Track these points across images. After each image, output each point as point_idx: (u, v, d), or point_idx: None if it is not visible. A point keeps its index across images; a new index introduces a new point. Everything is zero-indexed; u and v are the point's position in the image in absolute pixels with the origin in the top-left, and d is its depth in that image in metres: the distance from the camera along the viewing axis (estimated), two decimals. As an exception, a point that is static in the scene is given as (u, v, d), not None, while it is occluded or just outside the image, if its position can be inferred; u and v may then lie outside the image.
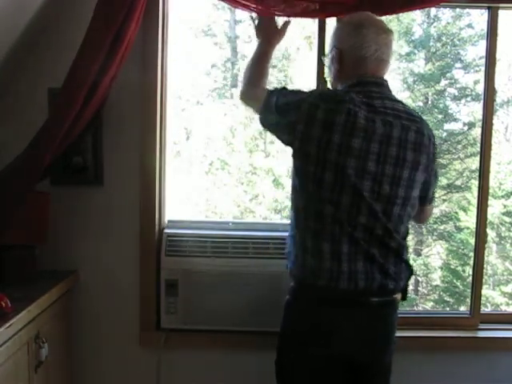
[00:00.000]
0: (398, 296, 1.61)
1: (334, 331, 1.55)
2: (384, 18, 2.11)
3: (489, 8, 2.16)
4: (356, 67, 1.59)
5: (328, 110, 1.49)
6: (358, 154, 1.47)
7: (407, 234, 1.63)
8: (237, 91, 6.78)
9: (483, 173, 2.21)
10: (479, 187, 2.23)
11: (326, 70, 1.82)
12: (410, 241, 5.44)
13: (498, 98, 6.12)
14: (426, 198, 1.68)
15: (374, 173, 1.49)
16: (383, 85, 1.60)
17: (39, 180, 1.89)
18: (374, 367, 1.63)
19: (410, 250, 5.56)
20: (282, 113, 1.58)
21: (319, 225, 1.51)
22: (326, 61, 1.73)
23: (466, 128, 6.15)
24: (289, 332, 1.66)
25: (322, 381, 1.60)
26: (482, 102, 2.25)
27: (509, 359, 2.19)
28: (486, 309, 5.58)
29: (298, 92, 1.62)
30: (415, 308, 5.76)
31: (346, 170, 1.46)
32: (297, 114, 1.52)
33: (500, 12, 2.19)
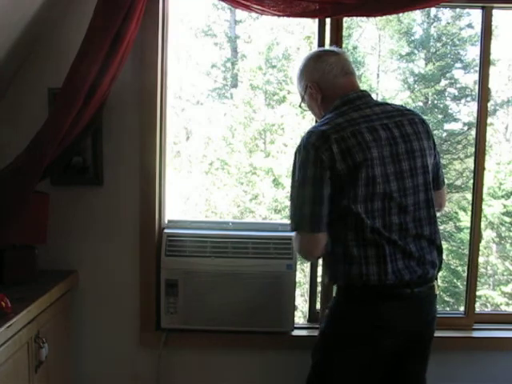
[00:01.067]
0: (436, 283, 1.71)
1: (384, 325, 1.62)
2: (384, 18, 2.11)
3: (483, 8, 2.16)
4: (335, 88, 1.71)
5: (338, 143, 1.58)
6: (378, 163, 1.59)
7: (436, 217, 1.73)
8: (236, 91, 6.79)
9: (477, 172, 2.22)
10: (474, 187, 2.24)
11: (309, 111, 1.87)
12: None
13: (498, 98, 6.12)
14: (438, 180, 1.79)
15: (395, 173, 1.61)
16: (364, 95, 1.72)
17: (39, 180, 1.89)
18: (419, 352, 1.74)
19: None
20: (310, 188, 1.61)
21: (360, 234, 1.59)
22: (305, 103, 1.82)
23: (465, 128, 6.15)
24: (340, 331, 1.67)
25: (369, 376, 1.67)
26: (476, 102, 2.24)
27: (503, 359, 2.19)
28: (486, 309, 5.58)
29: (302, 169, 1.63)
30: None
31: (375, 179, 1.58)
32: (318, 175, 1.59)
33: (500, 12, 2.19)
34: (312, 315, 2.28)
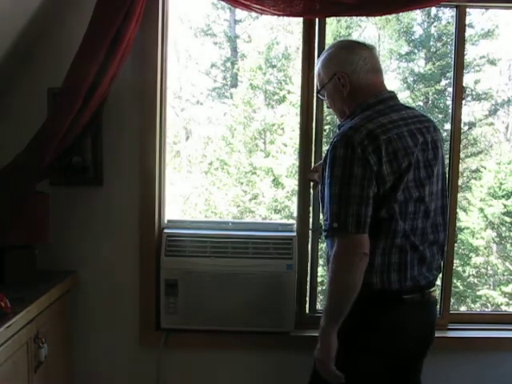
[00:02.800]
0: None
1: (403, 332, 1.61)
2: (384, 18, 2.11)
3: (457, 7, 2.17)
4: (365, 85, 1.65)
5: (386, 145, 1.53)
6: (416, 167, 1.58)
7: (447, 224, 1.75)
8: (236, 91, 6.79)
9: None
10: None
11: (327, 101, 1.77)
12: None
13: (499, 98, 6.12)
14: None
15: (427, 177, 1.60)
16: (395, 97, 1.69)
17: (39, 180, 1.89)
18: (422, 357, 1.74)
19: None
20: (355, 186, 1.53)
21: (390, 241, 1.57)
22: (323, 92, 1.74)
23: (466, 128, 6.15)
24: (361, 340, 1.62)
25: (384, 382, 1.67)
26: (450, 100, 2.24)
27: (478, 359, 2.19)
28: (486, 309, 5.58)
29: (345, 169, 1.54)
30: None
31: (415, 183, 1.57)
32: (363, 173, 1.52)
33: (500, 12, 2.20)
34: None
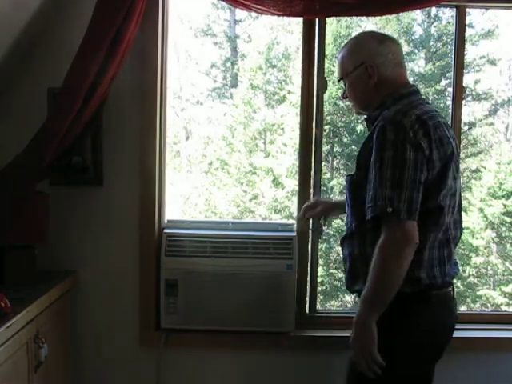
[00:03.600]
0: None
1: (443, 330, 1.62)
2: (384, 18, 2.11)
3: (457, 7, 2.17)
4: (392, 78, 1.63)
5: (434, 130, 1.52)
6: (455, 157, 1.57)
7: None
8: (236, 91, 6.79)
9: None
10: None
11: (348, 90, 1.71)
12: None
13: (499, 98, 6.12)
14: None
15: (457, 171, 1.61)
16: (419, 91, 1.68)
17: (39, 180, 1.89)
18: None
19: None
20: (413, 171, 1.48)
21: (435, 234, 1.55)
22: (349, 80, 1.68)
23: (466, 128, 6.15)
24: (406, 342, 1.56)
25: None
26: (450, 100, 2.24)
27: (477, 359, 2.18)
28: (486, 309, 5.57)
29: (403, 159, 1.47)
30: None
31: (449, 174, 1.54)
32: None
33: (500, 12, 2.20)
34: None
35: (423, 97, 1.69)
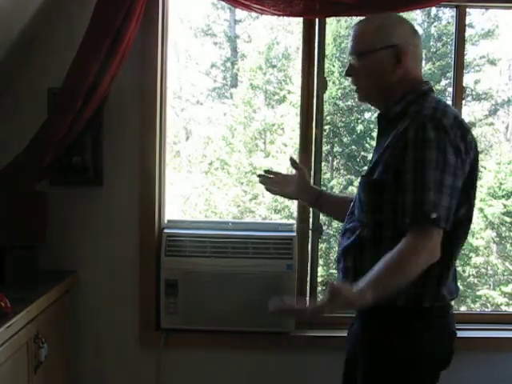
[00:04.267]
0: None
1: (451, 346, 1.53)
2: (384, 18, 2.10)
3: (457, 7, 2.17)
4: (415, 72, 1.47)
5: (469, 132, 1.41)
6: (476, 166, 1.44)
7: None
8: (236, 91, 6.79)
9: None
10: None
11: (364, 72, 1.47)
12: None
13: (499, 98, 6.12)
14: None
15: (476, 180, 1.49)
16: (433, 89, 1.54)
17: (39, 180, 1.89)
18: None
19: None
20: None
21: (458, 247, 1.47)
22: (367, 60, 1.45)
23: (466, 128, 6.14)
24: (420, 358, 1.46)
25: None
26: (450, 100, 2.23)
27: (477, 359, 2.17)
28: (486, 309, 5.58)
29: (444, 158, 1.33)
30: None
31: (475, 182, 1.45)
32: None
33: (500, 12, 2.20)
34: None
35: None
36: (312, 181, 2.21)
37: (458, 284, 1.55)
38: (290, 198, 1.89)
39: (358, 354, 1.52)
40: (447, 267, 1.42)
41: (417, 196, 1.30)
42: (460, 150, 1.34)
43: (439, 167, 1.30)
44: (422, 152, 1.31)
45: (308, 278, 2.26)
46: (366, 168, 1.57)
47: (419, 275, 1.30)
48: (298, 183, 1.80)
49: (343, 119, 6.18)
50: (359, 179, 1.51)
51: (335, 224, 5.44)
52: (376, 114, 1.59)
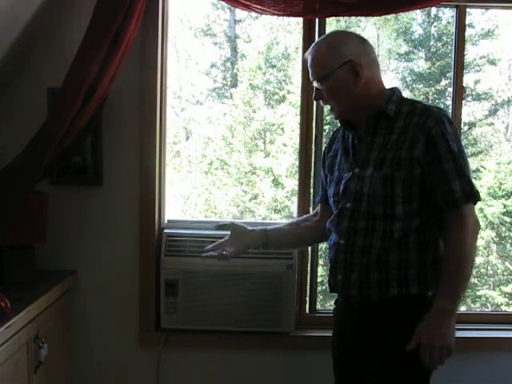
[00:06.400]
0: None
1: None
2: (383, 18, 2.10)
3: (456, 7, 2.17)
4: (374, 80, 1.58)
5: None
6: None
7: None
8: (236, 91, 6.79)
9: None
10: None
11: (327, 93, 1.57)
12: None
13: (499, 98, 6.11)
14: None
15: None
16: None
17: (38, 180, 1.89)
18: None
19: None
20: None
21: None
22: (330, 80, 1.54)
23: (466, 128, 6.14)
24: None
25: None
26: (450, 100, 2.24)
27: (477, 359, 2.18)
28: (486, 309, 5.57)
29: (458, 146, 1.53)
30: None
31: None
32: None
33: (500, 12, 2.20)
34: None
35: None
36: (312, 181, 2.21)
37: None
38: (241, 252, 1.79)
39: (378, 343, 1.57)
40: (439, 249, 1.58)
41: (462, 181, 1.48)
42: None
43: (462, 156, 1.50)
44: (451, 144, 1.48)
45: (308, 278, 2.26)
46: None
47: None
48: (236, 238, 1.76)
49: (343, 119, 6.16)
50: (374, 174, 1.54)
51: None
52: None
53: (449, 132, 1.49)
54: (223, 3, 2.10)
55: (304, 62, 2.14)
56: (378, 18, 5.80)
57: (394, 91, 1.60)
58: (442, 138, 1.48)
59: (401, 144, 1.51)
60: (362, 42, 1.60)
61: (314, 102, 2.16)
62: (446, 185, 1.48)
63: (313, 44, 1.63)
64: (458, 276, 1.48)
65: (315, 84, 1.60)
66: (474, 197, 1.50)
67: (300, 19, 2.16)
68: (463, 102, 2.24)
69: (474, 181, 1.53)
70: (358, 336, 1.62)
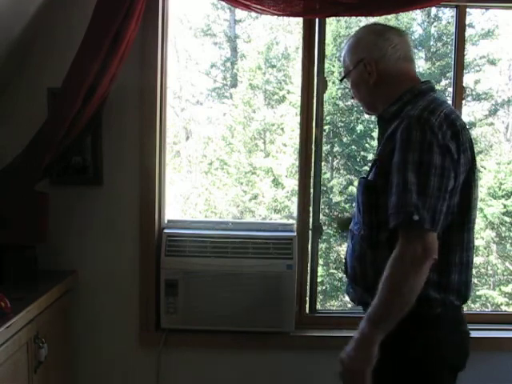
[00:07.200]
0: None
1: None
2: (383, 17, 2.11)
3: (456, 7, 2.18)
4: (396, 74, 1.50)
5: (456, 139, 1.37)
6: (472, 166, 1.42)
7: None
8: (236, 91, 6.79)
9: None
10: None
11: (352, 90, 1.60)
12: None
13: (499, 98, 6.11)
14: None
15: (475, 180, 1.45)
16: (435, 88, 1.53)
17: (38, 180, 1.89)
18: None
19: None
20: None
21: (465, 253, 1.45)
22: (348, 79, 1.58)
23: (465, 128, 6.14)
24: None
25: None
26: (450, 100, 2.23)
27: (477, 359, 2.14)
28: (486, 309, 5.57)
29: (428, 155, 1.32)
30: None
31: (471, 182, 1.43)
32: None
33: (500, 12, 2.20)
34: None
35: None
36: (312, 181, 2.22)
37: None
38: None
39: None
40: (451, 273, 1.41)
41: (398, 198, 1.30)
42: (450, 150, 1.32)
43: (423, 170, 1.30)
44: (406, 154, 1.31)
45: (308, 278, 2.26)
46: (366, 168, 1.60)
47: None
48: None
49: (343, 119, 6.17)
50: (358, 180, 1.52)
51: (335, 224, 5.44)
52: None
53: (411, 139, 1.31)
54: (223, 3, 2.10)
55: (304, 61, 2.15)
56: (378, 17, 5.81)
57: (412, 88, 1.48)
58: (400, 145, 1.33)
59: (383, 150, 1.42)
60: (380, 35, 1.53)
61: (314, 102, 2.17)
62: (389, 197, 1.34)
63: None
64: (381, 307, 1.30)
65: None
66: (407, 221, 1.28)
67: (300, 19, 2.16)
68: (463, 102, 2.24)
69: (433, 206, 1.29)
70: None
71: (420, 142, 1.31)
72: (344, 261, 1.60)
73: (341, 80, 1.66)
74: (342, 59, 1.64)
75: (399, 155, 1.33)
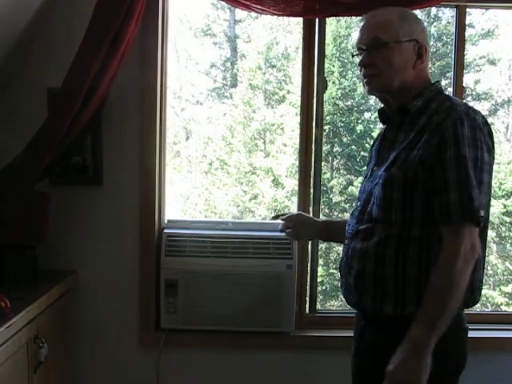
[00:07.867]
0: None
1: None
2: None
3: (456, 7, 2.18)
4: (427, 70, 1.49)
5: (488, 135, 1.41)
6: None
7: None
8: (236, 91, 6.79)
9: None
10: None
11: (384, 60, 1.44)
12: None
13: (499, 98, 6.11)
14: None
15: None
16: None
17: (38, 180, 1.89)
18: None
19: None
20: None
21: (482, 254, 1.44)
22: (389, 50, 1.42)
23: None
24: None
25: None
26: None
27: (477, 359, 2.15)
28: (486, 309, 5.57)
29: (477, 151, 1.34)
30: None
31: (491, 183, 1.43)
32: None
33: (500, 12, 2.20)
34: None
35: None
36: (312, 181, 2.22)
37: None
38: (300, 238, 1.94)
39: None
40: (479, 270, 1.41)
41: (463, 194, 1.30)
42: (490, 148, 1.36)
43: (478, 165, 1.32)
44: (462, 149, 1.31)
45: (308, 278, 2.26)
46: (366, 168, 1.59)
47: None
48: (302, 224, 1.82)
49: (343, 119, 6.17)
50: (382, 174, 1.42)
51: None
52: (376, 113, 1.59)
53: (464, 135, 1.31)
54: (223, 3, 2.10)
55: (304, 61, 2.15)
56: (377, 18, 5.81)
57: (431, 85, 1.47)
58: (453, 141, 1.31)
59: (415, 144, 1.37)
60: (425, 28, 1.50)
61: (314, 102, 2.16)
62: (445, 195, 1.31)
63: (376, 10, 1.49)
64: (438, 304, 1.29)
65: (366, 47, 1.46)
66: (473, 217, 1.29)
67: (300, 19, 2.16)
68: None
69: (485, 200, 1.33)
70: (358, 346, 1.55)
71: (473, 138, 1.32)
72: (344, 264, 1.52)
73: (377, 45, 1.43)
74: (383, 20, 1.45)
75: (454, 150, 1.31)
